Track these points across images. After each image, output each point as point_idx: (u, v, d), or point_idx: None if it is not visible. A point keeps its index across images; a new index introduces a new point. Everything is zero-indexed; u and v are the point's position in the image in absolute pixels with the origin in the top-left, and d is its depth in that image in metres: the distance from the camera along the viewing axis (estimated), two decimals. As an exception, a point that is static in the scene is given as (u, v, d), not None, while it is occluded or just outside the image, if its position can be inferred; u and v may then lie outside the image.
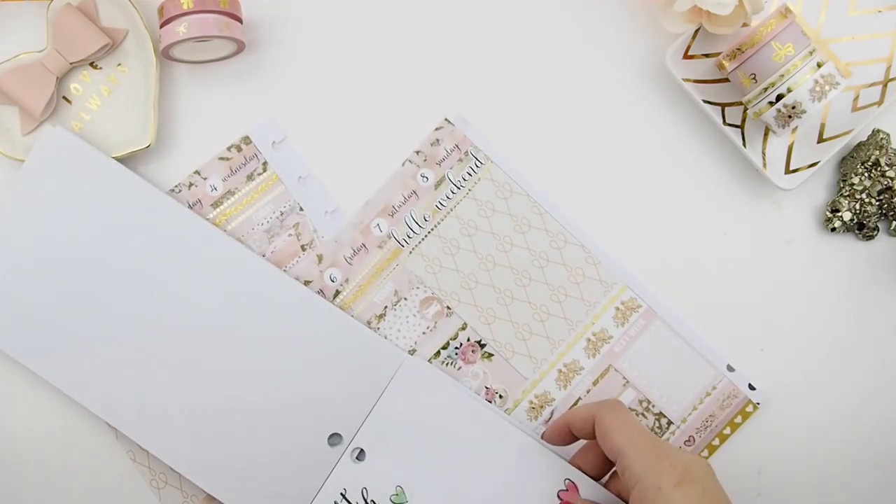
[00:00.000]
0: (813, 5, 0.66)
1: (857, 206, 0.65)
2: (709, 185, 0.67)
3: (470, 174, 0.65)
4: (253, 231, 0.64)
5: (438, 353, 0.65)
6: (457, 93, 0.66)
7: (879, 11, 0.66)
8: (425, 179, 0.65)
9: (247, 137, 0.64)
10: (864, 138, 0.66)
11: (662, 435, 0.66)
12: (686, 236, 0.67)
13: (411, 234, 0.65)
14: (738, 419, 0.66)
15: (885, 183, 0.65)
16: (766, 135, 0.66)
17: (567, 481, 0.60)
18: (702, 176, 0.67)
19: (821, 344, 0.67)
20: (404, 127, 0.65)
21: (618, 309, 0.66)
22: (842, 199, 0.65)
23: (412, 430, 0.63)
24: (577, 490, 0.59)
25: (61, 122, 0.62)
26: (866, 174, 0.65)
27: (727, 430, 0.66)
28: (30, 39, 0.62)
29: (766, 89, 0.61)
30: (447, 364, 0.65)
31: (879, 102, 0.65)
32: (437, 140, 0.65)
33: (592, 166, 0.66)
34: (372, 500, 0.62)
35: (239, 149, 0.64)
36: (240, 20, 0.61)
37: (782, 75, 0.60)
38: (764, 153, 0.66)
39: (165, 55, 0.61)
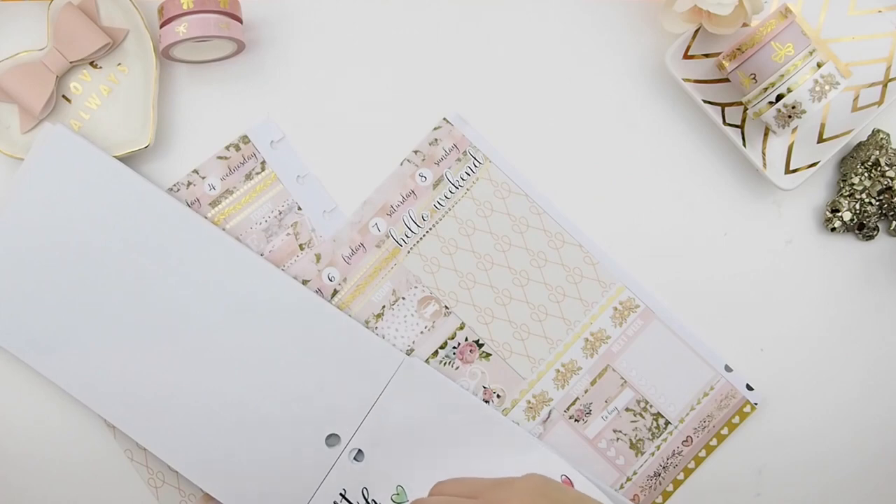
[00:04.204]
0: (813, 5, 0.66)
1: (857, 206, 0.65)
2: (709, 185, 0.67)
3: (468, 174, 0.65)
4: (251, 230, 0.64)
5: (436, 352, 0.65)
6: (455, 93, 0.66)
7: (879, 11, 0.66)
8: (424, 179, 0.65)
9: (245, 137, 0.65)
10: (864, 138, 0.66)
11: (660, 434, 0.66)
12: (686, 236, 0.67)
13: (409, 234, 0.65)
14: (736, 419, 0.66)
15: (885, 183, 0.64)
16: (766, 135, 0.66)
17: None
18: (702, 176, 0.67)
19: (820, 344, 0.67)
20: (403, 126, 0.65)
21: (616, 309, 0.66)
22: (842, 199, 0.65)
23: (411, 430, 0.63)
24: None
25: (61, 120, 0.63)
26: (866, 174, 0.65)
27: (724, 431, 0.66)
28: (30, 38, 0.63)
29: (766, 89, 0.61)
30: (445, 364, 0.65)
31: (879, 102, 0.65)
32: (436, 140, 0.65)
33: (591, 166, 0.66)
34: (373, 500, 0.62)
35: (237, 148, 0.65)
36: (240, 20, 0.61)
37: (782, 75, 0.60)
38: (764, 153, 0.66)
39: (165, 55, 0.61)
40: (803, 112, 0.61)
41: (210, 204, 0.64)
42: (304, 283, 0.64)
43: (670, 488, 0.66)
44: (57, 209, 0.61)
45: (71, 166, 0.61)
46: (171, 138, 0.64)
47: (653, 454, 0.66)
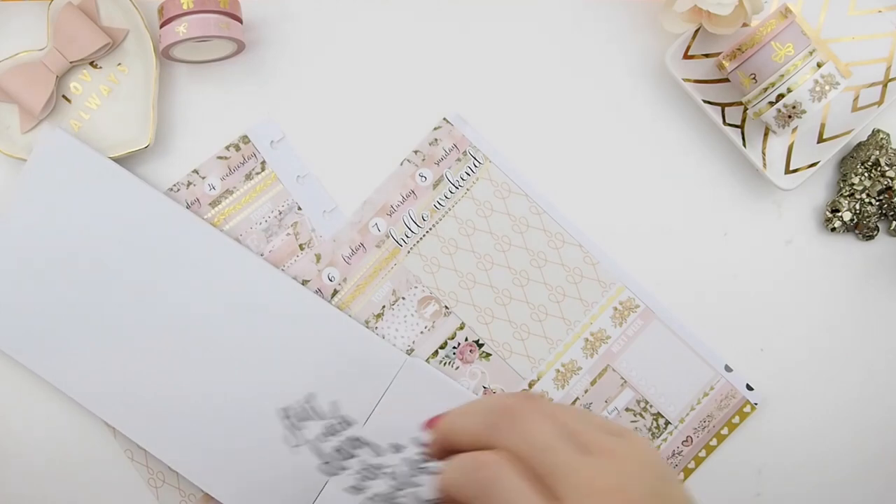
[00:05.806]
0: (813, 5, 0.66)
1: (857, 206, 0.65)
2: (709, 185, 0.67)
3: (468, 174, 0.65)
4: (251, 230, 0.64)
5: (436, 352, 0.65)
6: (455, 93, 0.66)
7: (879, 11, 0.66)
8: (424, 179, 0.65)
9: (245, 137, 0.65)
10: (864, 138, 0.66)
11: (660, 434, 0.66)
12: (686, 236, 0.67)
13: (409, 234, 0.65)
14: (736, 419, 0.66)
15: (885, 183, 0.64)
16: (766, 135, 0.66)
17: None
18: (702, 176, 0.67)
19: (820, 344, 0.67)
20: (403, 126, 0.65)
21: (616, 309, 0.66)
22: (842, 199, 0.65)
23: (412, 430, 0.62)
24: None
25: (60, 120, 0.63)
26: (866, 174, 0.65)
27: (725, 431, 0.66)
28: (30, 38, 0.63)
29: (766, 89, 0.61)
30: (445, 364, 0.65)
31: (879, 102, 0.65)
32: (436, 140, 0.65)
33: (591, 166, 0.66)
34: (375, 501, 0.62)
35: (237, 148, 0.65)
36: (240, 20, 0.61)
37: (782, 75, 0.60)
38: (764, 153, 0.65)
39: (165, 55, 0.61)
40: (803, 112, 0.61)
41: (210, 204, 0.64)
42: (304, 283, 0.64)
43: (670, 488, 0.66)
44: (57, 212, 0.61)
45: (70, 170, 0.61)
46: (171, 138, 0.64)
47: (653, 454, 0.66)
